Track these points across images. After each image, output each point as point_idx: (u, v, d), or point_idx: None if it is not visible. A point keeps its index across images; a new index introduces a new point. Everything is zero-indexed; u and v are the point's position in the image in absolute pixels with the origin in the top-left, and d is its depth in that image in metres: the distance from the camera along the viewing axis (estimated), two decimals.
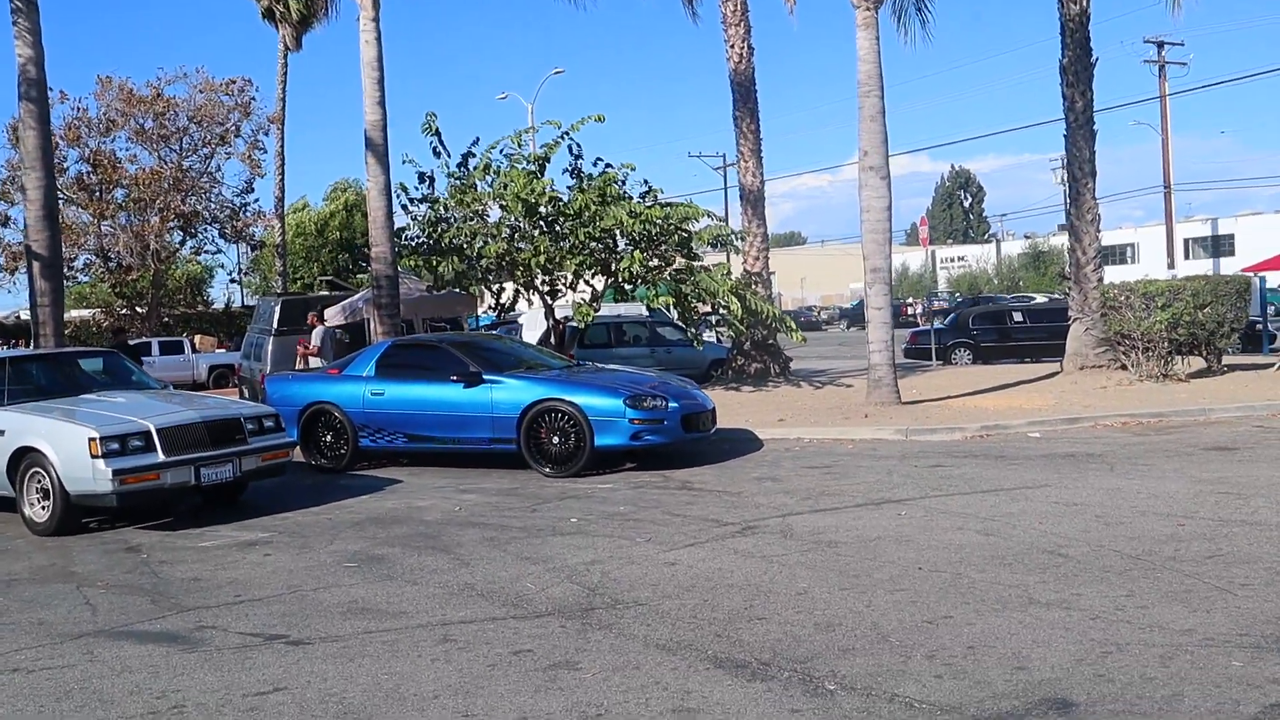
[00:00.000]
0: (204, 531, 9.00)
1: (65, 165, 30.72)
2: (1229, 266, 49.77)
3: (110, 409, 9.48)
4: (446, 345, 12.44)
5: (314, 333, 16.40)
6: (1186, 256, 56.08)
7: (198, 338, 32.77)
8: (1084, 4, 18.23)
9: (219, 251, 39.97)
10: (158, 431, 9.02)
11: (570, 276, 18.11)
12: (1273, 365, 17.39)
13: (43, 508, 9.11)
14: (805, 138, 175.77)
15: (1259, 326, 22.80)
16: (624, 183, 17.47)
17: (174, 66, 45.68)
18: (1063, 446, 11.38)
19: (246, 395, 17.73)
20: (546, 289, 18.42)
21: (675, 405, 11.27)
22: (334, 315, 17.88)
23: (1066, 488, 8.98)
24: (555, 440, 11.04)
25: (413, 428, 11.86)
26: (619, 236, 17.46)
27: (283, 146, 36.32)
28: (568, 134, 17.58)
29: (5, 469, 9.28)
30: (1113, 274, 19.40)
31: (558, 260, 17.33)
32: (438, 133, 17.89)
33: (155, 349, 28.02)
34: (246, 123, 34.12)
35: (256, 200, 36.27)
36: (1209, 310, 16.31)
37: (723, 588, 6.35)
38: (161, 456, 8.97)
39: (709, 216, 18.38)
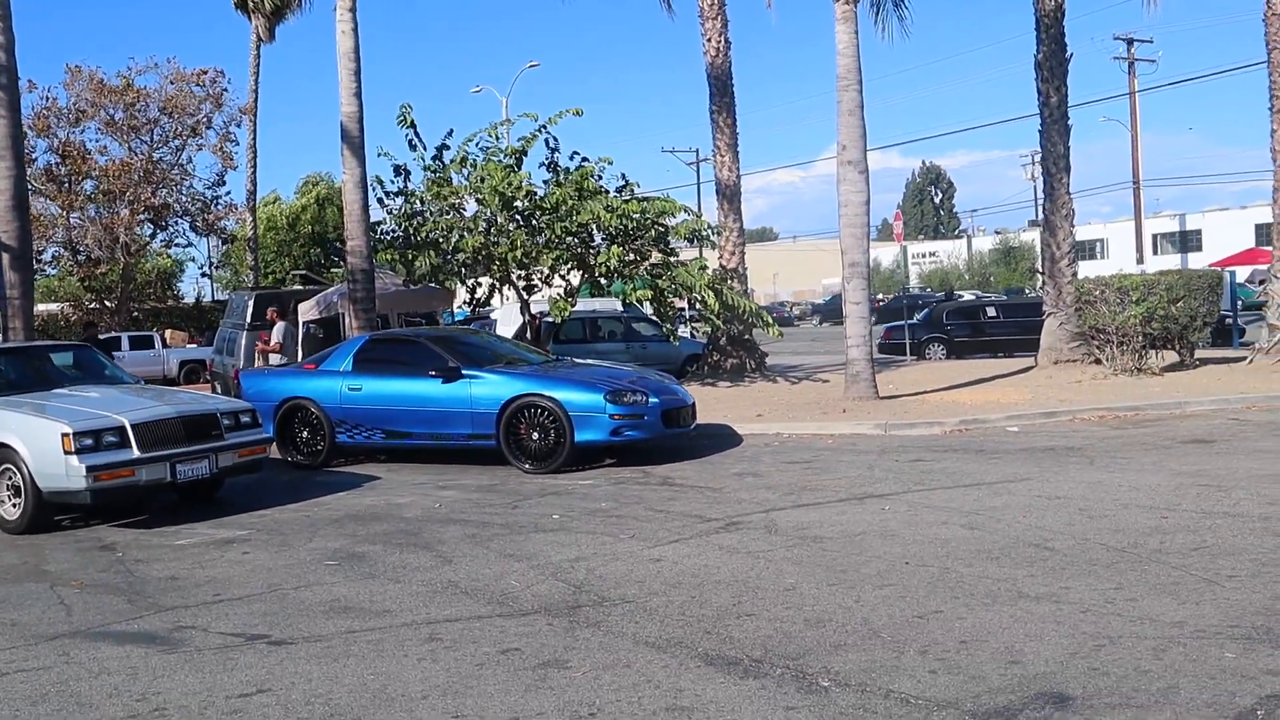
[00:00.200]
0: (180, 529, 8.85)
1: (34, 156, 30.22)
2: (1196, 261, 50.43)
3: (83, 404, 9.31)
4: (424, 340, 12.33)
5: (274, 328, 16.21)
6: (1155, 252, 56.73)
7: (168, 332, 32.35)
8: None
9: (190, 245, 39.71)
10: (132, 427, 8.86)
11: (546, 271, 18.02)
12: (1244, 358, 17.57)
13: (14, 505, 8.92)
14: (779, 133, 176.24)
15: (1229, 320, 23.12)
16: (601, 177, 17.39)
17: (145, 56, 45.29)
18: (1042, 440, 11.42)
19: (219, 390, 17.49)
20: (523, 283, 18.33)
21: (655, 400, 11.22)
22: (308, 310, 17.66)
23: (1048, 481, 9.00)
24: (535, 436, 10.95)
25: (391, 423, 11.73)
26: (596, 231, 17.37)
27: (255, 139, 36.05)
28: (545, 128, 17.51)
29: None
30: (1083, 269, 19.59)
31: (534, 255, 17.22)
32: (413, 125, 17.73)
33: (125, 344, 27.67)
34: (218, 114, 33.79)
35: (228, 193, 36.01)
36: (1182, 305, 16.50)
37: (710, 584, 6.30)
38: (136, 452, 8.81)
39: (686, 211, 18.34)
